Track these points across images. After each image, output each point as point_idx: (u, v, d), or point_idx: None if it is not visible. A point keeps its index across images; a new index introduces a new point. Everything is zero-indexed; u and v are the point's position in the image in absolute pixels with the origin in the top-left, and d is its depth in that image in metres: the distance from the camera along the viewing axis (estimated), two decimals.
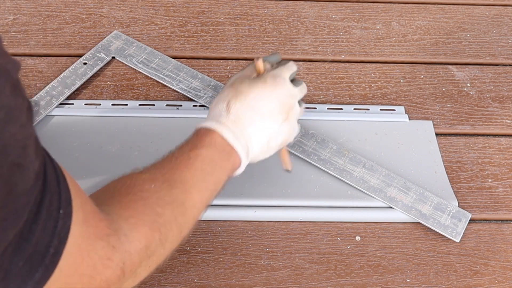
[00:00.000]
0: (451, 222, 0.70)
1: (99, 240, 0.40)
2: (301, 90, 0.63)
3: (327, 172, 0.73)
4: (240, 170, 0.58)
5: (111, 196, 0.48)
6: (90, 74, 0.84)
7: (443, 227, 0.70)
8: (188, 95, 0.82)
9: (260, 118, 0.58)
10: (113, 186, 0.50)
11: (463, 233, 0.70)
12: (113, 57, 0.87)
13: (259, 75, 0.61)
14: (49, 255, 0.35)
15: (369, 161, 0.75)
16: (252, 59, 0.90)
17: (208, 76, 0.85)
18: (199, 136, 0.56)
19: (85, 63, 0.85)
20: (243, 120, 0.57)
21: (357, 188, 0.72)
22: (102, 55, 0.87)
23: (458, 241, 0.69)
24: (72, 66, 0.84)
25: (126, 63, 0.86)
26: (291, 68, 0.62)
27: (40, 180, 0.34)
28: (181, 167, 0.53)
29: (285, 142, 0.62)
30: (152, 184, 0.50)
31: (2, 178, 0.30)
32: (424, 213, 0.70)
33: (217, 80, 0.84)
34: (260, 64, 0.61)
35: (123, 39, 0.89)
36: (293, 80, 0.62)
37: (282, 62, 0.63)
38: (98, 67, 0.85)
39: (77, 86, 0.81)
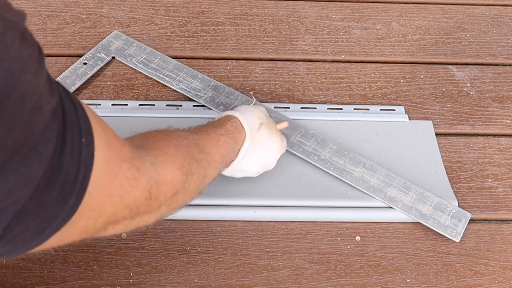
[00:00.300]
0: (451, 222, 0.70)
1: (124, 162, 0.42)
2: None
3: (327, 172, 0.73)
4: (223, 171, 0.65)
5: (145, 139, 0.53)
6: (90, 74, 0.84)
7: (443, 227, 0.70)
8: (188, 95, 0.82)
9: (259, 155, 0.66)
10: (148, 133, 0.55)
11: (463, 233, 0.70)
12: (113, 57, 0.87)
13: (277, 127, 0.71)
14: (78, 182, 0.37)
15: (369, 161, 0.75)
16: (252, 59, 0.90)
17: (208, 76, 0.85)
18: (233, 127, 0.63)
19: (85, 63, 0.85)
20: (257, 144, 0.65)
21: (357, 188, 0.72)
22: (102, 55, 0.87)
23: (458, 241, 0.69)
24: (72, 66, 0.84)
25: (126, 63, 0.86)
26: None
27: (59, 115, 0.35)
28: (211, 142, 0.59)
29: (240, 176, 0.69)
30: (185, 141, 0.55)
31: (23, 123, 0.32)
32: (424, 213, 0.70)
33: (217, 80, 0.84)
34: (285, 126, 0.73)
35: (123, 39, 0.89)
36: None
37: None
38: (98, 67, 0.85)
39: (77, 86, 0.81)
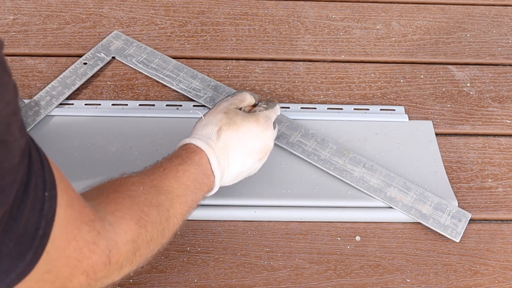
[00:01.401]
0: (451, 222, 0.70)
1: (84, 224, 0.41)
2: (276, 132, 0.69)
3: (327, 172, 0.74)
4: (209, 195, 0.62)
5: (99, 193, 0.50)
6: (90, 74, 0.84)
7: (443, 227, 0.70)
8: (188, 95, 0.82)
9: (243, 153, 0.62)
10: (102, 186, 0.52)
11: (463, 233, 0.70)
12: (113, 57, 0.87)
13: (251, 110, 0.66)
14: (38, 237, 0.35)
15: (369, 161, 0.75)
16: (252, 59, 0.90)
17: (208, 76, 0.85)
18: (189, 153, 0.59)
19: (85, 63, 0.85)
20: (228, 150, 0.61)
21: (357, 188, 0.72)
22: (102, 55, 0.87)
23: (458, 241, 0.69)
24: (72, 66, 0.84)
25: (126, 63, 0.86)
26: (277, 112, 0.69)
27: (26, 160, 0.34)
28: (169, 177, 0.55)
29: (250, 175, 0.66)
30: (140, 187, 0.52)
31: None
32: (424, 213, 0.70)
33: (217, 80, 0.84)
34: (252, 100, 0.69)
35: (123, 39, 0.89)
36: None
37: (270, 104, 0.69)
38: (98, 67, 0.85)
39: (77, 86, 0.81)
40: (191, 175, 0.57)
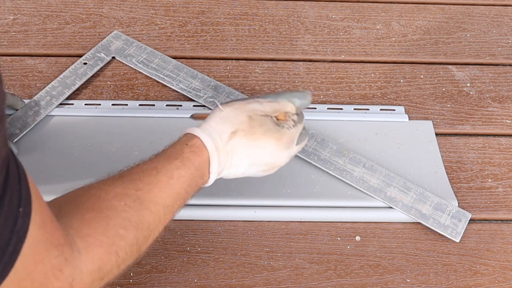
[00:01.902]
0: (451, 222, 0.70)
1: (53, 248, 0.40)
2: (298, 149, 0.62)
3: (327, 172, 0.74)
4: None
5: (75, 208, 0.47)
6: (90, 74, 0.84)
7: (443, 227, 0.70)
8: (188, 95, 0.82)
9: (248, 162, 0.58)
10: (80, 196, 0.48)
11: (463, 233, 0.70)
12: (113, 57, 0.87)
13: (281, 121, 0.60)
14: (8, 252, 0.34)
15: (369, 161, 0.75)
16: (252, 59, 0.90)
17: (208, 76, 0.85)
18: (191, 153, 0.54)
19: (85, 63, 0.85)
20: (234, 154, 0.56)
21: (357, 188, 0.72)
22: (102, 55, 0.87)
23: (458, 241, 0.69)
24: (72, 66, 0.84)
25: (126, 63, 0.86)
26: (300, 129, 0.62)
27: (3, 173, 0.33)
28: (160, 185, 0.51)
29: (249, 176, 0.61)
30: (122, 202, 0.48)
31: None
32: (424, 213, 0.70)
33: (217, 80, 0.84)
34: (285, 117, 0.60)
35: (123, 39, 0.89)
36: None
37: (300, 117, 0.62)
38: (98, 67, 0.85)
39: (77, 86, 0.81)
40: (186, 181, 0.53)
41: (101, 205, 0.47)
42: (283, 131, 0.58)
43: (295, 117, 0.60)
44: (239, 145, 0.56)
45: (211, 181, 0.56)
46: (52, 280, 0.40)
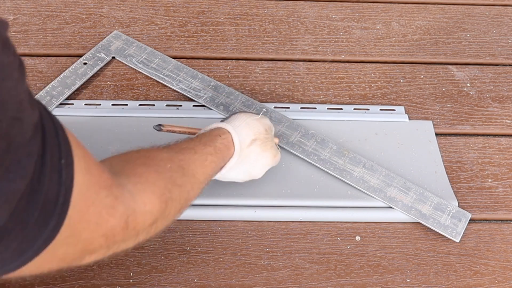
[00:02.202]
0: (451, 222, 0.70)
1: (102, 189, 0.42)
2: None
3: (327, 172, 0.73)
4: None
5: (126, 163, 0.51)
6: (90, 74, 0.84)
7: (443, 227, 0.70)
8: (188, 95, 0.82)
9: (244, 170, 0.65)
10: (130, 155, 0.53)
11: (463, 233, 0.70)
12: (113, 57, 0.87)
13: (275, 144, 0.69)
14: (59, 204, 0.36)
15: (369, 161, 0.75)
16: (252, 59, 0.90)
17: (208, 76, 0.85)
18: (223, 145, 0.61)
19: (85, 63, 0.85)
20: (243, 159, 0.64)
21: (357, 188, 0.72)
22: (102, 55, 0.87)
23: (458, 241, 0.69)
24: (72, 66, 0.84)
25: (126, 63, 0.86)
26: None
27: (39, 133, 0.35)
28: (197, 163, 0.57)
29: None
30: (168, 164, 0.53)
31: (1, 132, 0.31)
32: (424, 213, 0.70)
33: (217, 80, 0.84)
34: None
35: (123, 39, 0.89)
36: None
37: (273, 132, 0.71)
38: (98, 67, 0.85)
39: (77, 86, 0.81)
40: (215, 166, 0.60)
41: (150, 162, 0.52)
42: (277, 152, 0.68)
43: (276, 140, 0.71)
44: (253, 153, 0.64)
45: (219, 174, 0.63)
46: (107, 218, 0.42)
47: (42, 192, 0.35)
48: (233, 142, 0.62)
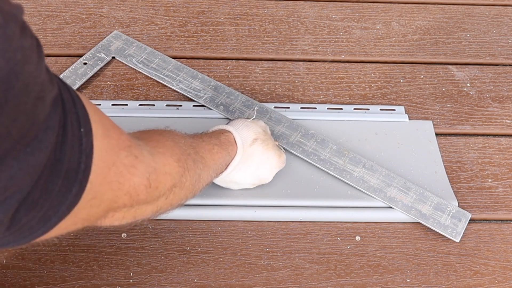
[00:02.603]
0: (451, 222, 0.70)
1: (121, 150, 0.43)
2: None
3: (327, 172, 0.73)
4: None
5: (143, 133, 0.54)
6: (90, 74, 0.84)
7: (443, 227, 0.70)
8: (188, 95, 0.82)
9: (251, 172, 0.67)
10: (147, 130, 0.56)
11: (463, 233, 0.70)
12: (113, 57, 0.87)
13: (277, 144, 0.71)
14: (81, 171, 0.38)
15: (369, 161, 0.75)
16: (252, 59, 0.90)
17: (208, 76, 0.85)
18: (226, 142, 0.63)
19: (85, 63, 0.85)
20: (247, 159, 0.65)
21: (357, 188, 0.72)
22: (102, 55, 0.87)
23: (458, 241, 0.69)
24: (72, 66, 0.84)
25: (126, 63, 0.86)
26: None
27: (59, 105, 0.36)
28: (206, 149, 0.60)
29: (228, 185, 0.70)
30: (182, 140, 0.56)
31: (26, 113, 0.32)
32: (424, 213, 0.70)
33: (217, 80, 0.84)
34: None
35: (123, 39, 0.89)
36: None
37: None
38: (98, 67, 0.85)
39: (77, 86, 0.81)
40: (221, 157, 0.62)
41: (167, 134, 0.55)
42: (281, 151, 0.69)
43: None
44: (256, 151, 0.65)
45: (225, 173, 0.64)
46: (129, 177, 0.44)
47: (64, 161, 0.36)
48: (235, 140, 0.64)
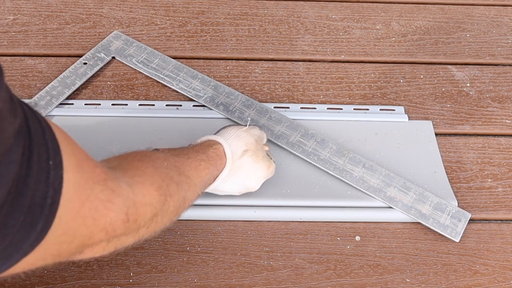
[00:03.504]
0: (451, 222, 0.70)
1: (96, 184, 0.41)
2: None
3: (327, 172, 0.74)
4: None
5: (122, 159, 0.51)
6: (90, 74, 0.84)
7: (442, 227, 0.70)
8: (188, 95, 0.82)
9: (239, 182, 0.65)
10: (126, 154, 0.53)
11: (463, 233, 0.70)
12: (113, 57, 0.87)
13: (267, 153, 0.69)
14: (47, 206, 0.36)
15: (369, 161, 0.75)
16: (252, 59, 0.90)
17: (208, 76, 0.85)
18: (215, 155, 0.62)
19: (85, 63, 0.85)
20: (236, 172, 0.64)
21: (357, 188, 0.72)
22: (102, 55, 0.87)
23: (457, 241, 0.69)
24: (72, 66, 0.84)
25: (126, 63, 0.86)
26: None
27: (23, 136, 0.34)
28: (192, 166, 0.58)
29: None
30: (164, 163, 0.54)
31: None
32: (423, 213, 0.70)
33: (217, 80, 0.84)
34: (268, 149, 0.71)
35: (123, 39, 0.89)
36: None
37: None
38: (98, 67, 0.85)
39: (77, 86, 0.81)
40: (209, 173, 0.60)
41: (147, 159, 0.52)
42: (271, 162, 0.68)
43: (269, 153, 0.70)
44: (246, 163, 0.64)
45: (213, 185, 0.62)
46: (105, 212, 0.42)
47: (28, 196, 0.34)
48: (224, 153, 0.62)
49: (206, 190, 0.65)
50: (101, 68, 0.85)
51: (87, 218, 0.40)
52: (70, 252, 0.41)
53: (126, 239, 0.47)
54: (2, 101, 0.32)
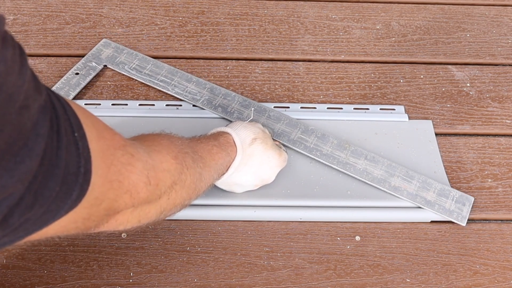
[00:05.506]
0: (456, 206, 0.71)
1: (117, 149, 0.44)
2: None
3: (331, 167, 0.74)
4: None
5: (138, 135, 0.55)
6: (83, 84, 0.82)
7: (448, 212, 0.70)
8: (185, 99, 0.81)
9: (253, 172, 0.67)
10: (141, 134, 0.57)
11: (468, 217, 0.70)
12: (105, 66, 0.86)
13: (277, 143, 0.72)
14: (81, 174, 0.38)
15: (370, 153, 0.75)
16: (252, 59, 0.90)
17: (207, 76, 0.85)
18: (225, 142, 0.64)
19: (77, 73, 0.83)
20: (248, 160, 0.65)
21: (361, 180, 0.73)
22: (94, 64, 0.85)
23: (464, 224, 0.70)
24: (65, 77, 0.82)
25: (119, 71, 0.85)
26: None
27: (49, 112, 0.36)
28: (205, 150, 0.60)
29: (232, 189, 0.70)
30: (179, 141, 0.56)
31: (12, 122, 0.33)
32: (429, 200, 0.71)
33: (216, 80, 0.84)
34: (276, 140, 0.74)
35: (113, 47, 0.88)
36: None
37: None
38: (90, 77, 0.83)
39: (71, 96, 0.80)
40: (221, 157, 0.62)
41: (162, 134, 0.56)
42: (281, 150, 0.69)
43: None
44: (256, 151, 0.66)
45: (226, 175, 0.64)
46: (127, 175, 0.45)
47: (61, 166, 0.36)
48: (234, 142, 0.64)
49: (225, 187, 0.67)
50: (93, 77, 0.83)
51: (114, 182, 0.43)
52: (98, 215, 0.44)
53: (149, 209, 0.49)
54: (28, 81, 0.34)
